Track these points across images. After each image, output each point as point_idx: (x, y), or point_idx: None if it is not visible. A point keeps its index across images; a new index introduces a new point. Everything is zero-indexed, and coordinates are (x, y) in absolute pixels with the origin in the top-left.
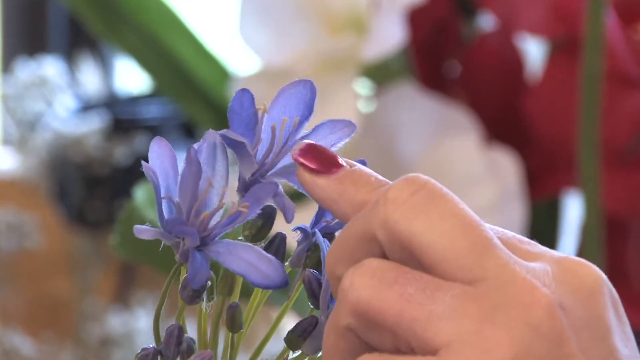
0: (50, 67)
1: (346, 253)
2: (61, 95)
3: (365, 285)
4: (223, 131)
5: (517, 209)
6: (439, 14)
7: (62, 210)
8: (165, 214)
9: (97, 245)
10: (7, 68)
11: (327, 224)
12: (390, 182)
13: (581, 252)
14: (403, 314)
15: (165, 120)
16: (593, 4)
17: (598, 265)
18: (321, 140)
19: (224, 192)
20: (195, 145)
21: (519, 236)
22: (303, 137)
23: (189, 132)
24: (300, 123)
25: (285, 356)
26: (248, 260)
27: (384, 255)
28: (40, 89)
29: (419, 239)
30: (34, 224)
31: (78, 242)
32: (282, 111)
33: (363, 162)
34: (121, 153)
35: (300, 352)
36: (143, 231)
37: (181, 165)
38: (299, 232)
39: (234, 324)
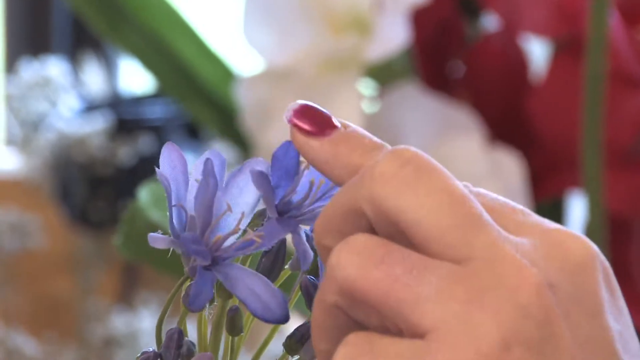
0: (54, 67)
1: (334, 224)
2: (65, 96)
3: (352, 263)
4: (260, 167)
5: None
6: (442, 14)
7: (65, 210)
8: (175, 222)
9: (100, 246)
10: (11, 68)
11: None
12: (386, 145)
13: None
14: (389, 295)
15: (169, 120)
16: (596, 4)
17: None
18: None
19: (242, 217)
20: (233, 171)
21: (512, 204)
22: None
23: (192, 132)
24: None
25: None
26: (253, 289)
27: (372, 229)
28: (44, 89)
29: (405, 216)
30: (37, 224)
31: (81, 242)
32: None
33: None
34: (125, 153)
35: (298, 357)
36: (157, 240)
37: (192, 172)
38: None
39: (234, 327)
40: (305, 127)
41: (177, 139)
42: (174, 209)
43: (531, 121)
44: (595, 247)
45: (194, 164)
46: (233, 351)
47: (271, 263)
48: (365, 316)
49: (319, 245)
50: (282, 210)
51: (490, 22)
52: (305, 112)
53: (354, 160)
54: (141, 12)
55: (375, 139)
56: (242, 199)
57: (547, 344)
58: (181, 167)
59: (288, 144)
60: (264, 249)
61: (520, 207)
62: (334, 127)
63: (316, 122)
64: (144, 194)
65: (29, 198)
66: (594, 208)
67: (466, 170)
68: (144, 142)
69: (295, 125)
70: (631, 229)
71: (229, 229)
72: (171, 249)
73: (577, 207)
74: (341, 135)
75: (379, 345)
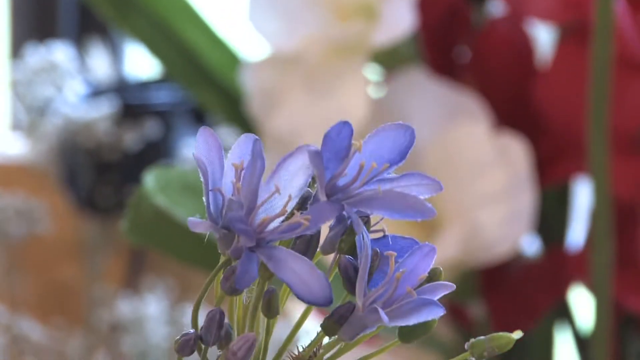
0: (60, 52)
1: None
2: (71, 81)
3: None
4: (312, 149)
5: (527, 195)
6: None
7: (72, 196)
8: (212, 207)
9: (107, 231)
10: (17, 53)
11: None
12: None
13: (591, 238)
14: None
15: (175, 105)
16: None
17: (607, 252)
18: (404, 188)
19: (289, 199)
20: (284, 157)
21: None
22: (389, 181)
23: (198, 117)
24: (389, 168)
25: (320, 342)
26: (297, 272)
27: None
28: (50, 74)
29: None
30: (43, 210)
31: (88, 227)
32: (375, 150)
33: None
34: (131, 139)
35: (335, 337)
36: (197, 224)
37: (228, 157)
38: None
39: (271, 309)
40: None
41: (183, 124)
42: (210, 193)
43: (537, 107)
44: None
45: (231, 148)
46: (268, 333)
47: (305, 244)
48: None
49: None
50: (328, 193)
51: (497, 7)
52: None
53: None
54: None
55: None
56: (291, 182)
57: None
58: (217, 151)
59: (342, 124)
60: (309, 232)
61: None
62: None
63: None
64: (150, 179)
65: (35, 183)
66: (600, 194)
67: (473, 156)
68: (150, 128)
69: None
70: (637, 215)
71: (274, 211)
72: (177, 237)
73: (583, 193)
74: None
75: None
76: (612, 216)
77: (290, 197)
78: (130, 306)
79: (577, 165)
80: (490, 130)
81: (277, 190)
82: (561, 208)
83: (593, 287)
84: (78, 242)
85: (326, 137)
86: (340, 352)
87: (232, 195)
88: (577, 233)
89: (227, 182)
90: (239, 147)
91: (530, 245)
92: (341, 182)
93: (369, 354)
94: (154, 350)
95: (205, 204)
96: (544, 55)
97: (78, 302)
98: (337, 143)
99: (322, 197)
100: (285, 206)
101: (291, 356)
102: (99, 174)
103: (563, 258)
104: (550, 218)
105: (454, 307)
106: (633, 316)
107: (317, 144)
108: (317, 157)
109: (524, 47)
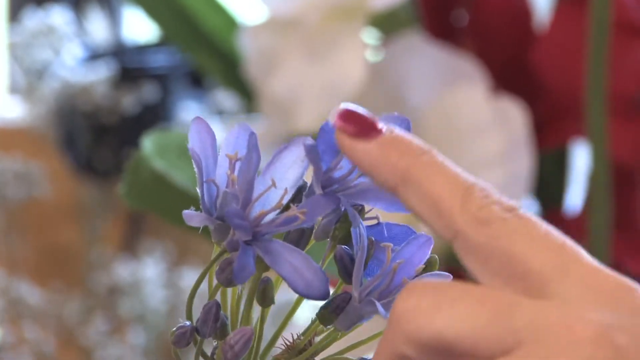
0: (58, 15)
1: None
2: (69, 44)
3: None
4: (308, 143)
5: (525, 158)
6: None
7: (70, 159)
8: (206, 198)
9: (105, 194)
10: (15, 17)
11: None
12: (432, 149)
13: (589, 201)
14: None
15: (173, 69)
16: None
17: (605, 215)
18: None
19: (285, 193)
20: (281, 147)
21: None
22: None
23: (196, 81)
24: None
25: (315, 331)
26: (294, 265)
27: None
28: (48, 37)
29: (444, 339)
30: (41, 173)
31: (86, 191)
32: None
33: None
34: (129, 102)
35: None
36: (192, 217)
37: (222, 147)
38: None
39: (266, 298)
40: (350, 129)
41: (180, 87)
42: (204, 184)
43: (535, 70)
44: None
45: (224, 138)
46: (262, 321)
47: (299, 234)
48: None
49: None
50: (324, 185)
51: None
52: (350, 116)
53: (404, 164)
54: None
55: (421, 142)
56: (286, 174)
57: None
58: (210, 142)
59: None
60: (305, 226)
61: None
62: (379, 130)
63: (361, 125)
64: (148, 143)
65: (33, 146)
66: (598, 157)
67: (471, 120)
68: (147, 91)
69: (340, 128)
70: (635, 178)
71: (270, 204)
72: (175, 200)
73: (582, 156)
74: (389, 139)
75: None
76: (610, 179)
77: (286, 190)
78: (128, 269)
79: (575, 129)
80: (489, 93)
81: (273, 184)
82: (559, 171)
83: (591, 250)
84: (76, 205)
85: (322, 129)
86: (334, 341)
87: (227, 186)
88: (575, 196)
89: (221, 173)
90: (232, 137)
91: (529, 208)
92: (337, 174)
93: (365, 338)
94: (152, 313)
95: (199, 195)
96: (542, 18)
97: (76, 265)
98: (333, 136)
99: (318, 190)
100: (281, 199)
101: (285, 344)
102: (97, 137)
103: (561, 221)
104: (549, 181)
105: (452, 271)
106: (631, 279)
107: (314, 108)
108: (313, 150)
109: (522, 10)
